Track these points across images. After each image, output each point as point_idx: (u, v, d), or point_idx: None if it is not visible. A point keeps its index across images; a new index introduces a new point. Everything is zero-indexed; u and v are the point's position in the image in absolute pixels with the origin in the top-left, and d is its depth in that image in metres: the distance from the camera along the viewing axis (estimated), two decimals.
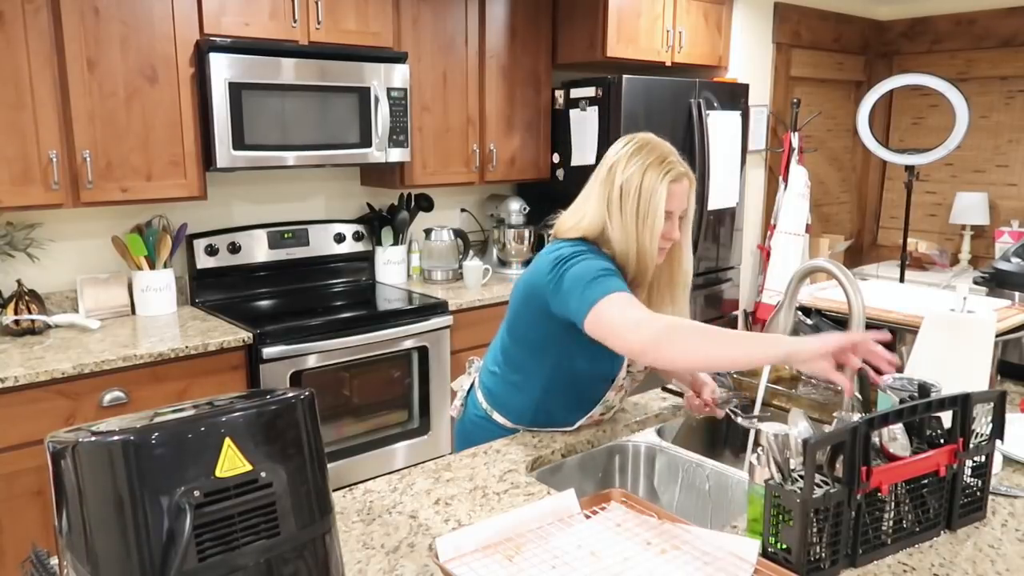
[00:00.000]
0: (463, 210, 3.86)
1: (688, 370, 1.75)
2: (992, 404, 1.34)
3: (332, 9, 2.93)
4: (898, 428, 1.27)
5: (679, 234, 1.65)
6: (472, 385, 1.87)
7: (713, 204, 3.94)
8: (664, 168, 1.57)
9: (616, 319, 1.44)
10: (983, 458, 1.35)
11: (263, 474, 0.93)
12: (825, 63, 4.98)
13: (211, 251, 3.04)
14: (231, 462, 0.90)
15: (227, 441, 0.91)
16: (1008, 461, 1.57)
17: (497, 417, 1.76)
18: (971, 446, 1.32)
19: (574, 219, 1.66)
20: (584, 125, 3.62)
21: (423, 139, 3.31)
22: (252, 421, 0.93)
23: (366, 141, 3.02)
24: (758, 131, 4.52)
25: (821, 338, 1.32)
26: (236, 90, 2.68)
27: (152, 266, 2.85)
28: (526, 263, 3.71)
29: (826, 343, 1.30)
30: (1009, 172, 4.96)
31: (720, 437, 2.08)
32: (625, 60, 3.66)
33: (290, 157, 2.85)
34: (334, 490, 1.13)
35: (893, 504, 1.25)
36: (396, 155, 3.12)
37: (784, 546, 1.17)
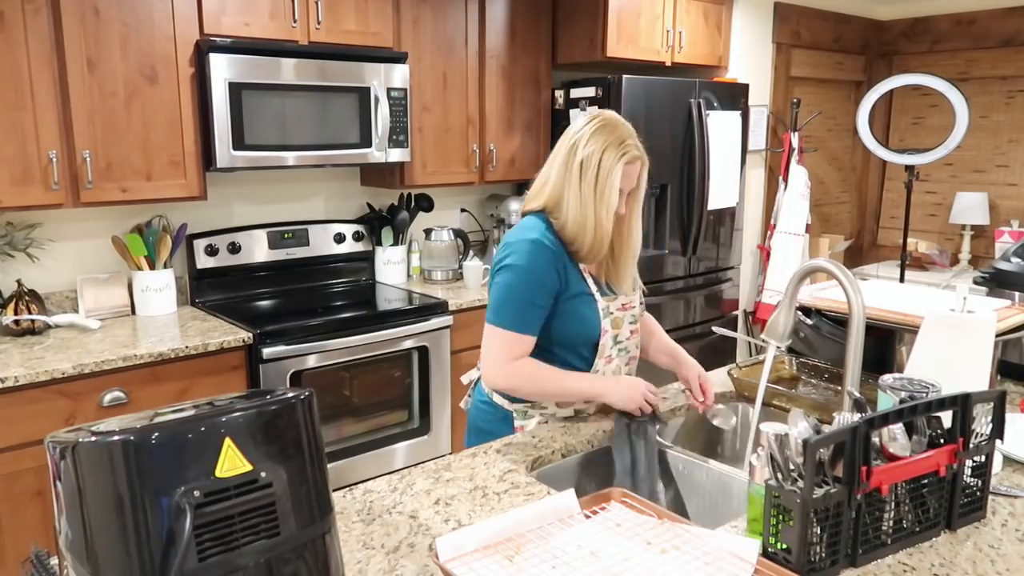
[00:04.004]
0: (463, 210, 3.86)
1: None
2: (992, 404, 1.34)
3: (332, 9, 2.93)
4: (898, 428, 1.27)
5: (625, 209, 1.77)
6: (479, 378, 1.93)
7: (713, 204, 3.94)
8: (621, 150, 1.69)
9: (487, 352, 1.73)
10: (983, 458, 1.35)
11: (263, 474, 0.92)
12: (825, 63, 4.98)
13: (211, 251, 3.03)
14: (231, 462, 0.90)
15: (227, 441, 0.91)
16: (1008, 461, 1.57)
17: (496, 399, 1.83)
18: (971, 446, 1.32)
19: (537, 188, 1.78)
20: None
21: (423, 139, 3.31)
22: (252, 421, 0.93)
23: (366, 141, 3.02)
24: (758, 131, 4.52)
25: (622, 391, 1.71)
26: (236, 90, 2.68)
27: (152, 266, 2.85)
28: None
29: (629, 399, 1.71)
30: (1009, 172, 4.96)
31: (720, 437, 2.08)
32: (625, 60, 3.66)
33: (290, 157, 2.85)
34: (334, 490, 1.13)
35: (893, 504, 1.25)
36: (396, 155, 3.12)
37: (784, 546, 1.17)
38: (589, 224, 1.69)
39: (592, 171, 1.68)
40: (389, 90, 3.04)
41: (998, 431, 1.35)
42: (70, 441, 0.87)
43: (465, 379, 2.04)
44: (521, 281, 1.69)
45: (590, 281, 1.77)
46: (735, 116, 4.03)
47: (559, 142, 1.76)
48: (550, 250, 1.70)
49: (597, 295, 1.77)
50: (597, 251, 1.73)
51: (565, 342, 1.77)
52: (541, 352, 1.75)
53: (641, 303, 1.89)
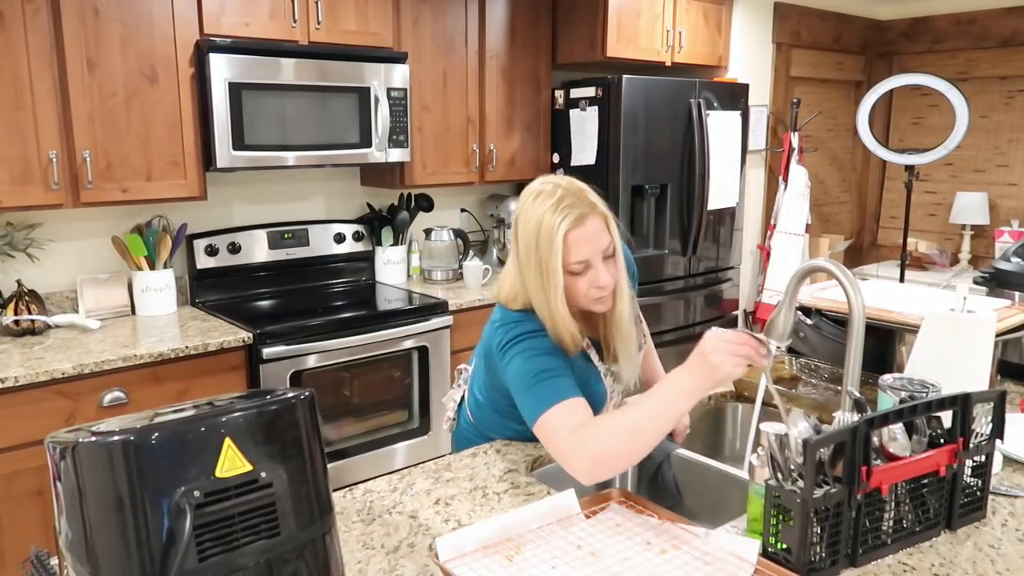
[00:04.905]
0: (463, 210, 3.86)
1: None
2: (992, 404, 1.34)
3: (332, 9, 2.93)
4: (898, 428, 1.27)
5: (608, 278, 1.42)
6: (463, 399, 1.80)
7: (713, 204, 3.94)
8: (559, 215, 1.34)
9: (554, 447, 1.36)
10: (983, 458, 1.35)
11: (263, 474, 0.92)
12: (825, 63, 4.98)
13: (211, 251, 3.03)
14: (231, 462, 0.90)
15: (227, 441, 0.91)
16: (1008, 461, 1.57)
17: (489, 433, 1.72)
18: (971, 446, 1.32)
19: (507, 286, 1.51)
20: (584, 125, 3.62)
21: (423, 139, 3.31)
22: (252, 421, 0.93)
23: (366, 141, 3.02)
24: (758, 131, 4.51)
25: (714, 355, 1.24)
26: (236, 90, 2.68)
27: (152, 266, 2.85)
28: None
29: (724, 362, 1.24)
30: (1009, 172, 4.96)
31: (720, 437, 2.09)
32: (625, 60, 3.66)
33: (290, 157, 2.85)
34: (334, 490, 1.13)
35: (893, 504, 1.25)
36: (396, 155, 3.12)
37: (784, 546, 1.17)
38: (547, 317, 1.41)
39: (534, 254, 1.37)
40: (389, 90, 3.04)
41: (998, 431, 1.35)
42: (70, 441, 0.87)
43: (445, 399, 1.85)
44: (530, 346, 1.42)
45: (593, 353, 1.57)
46: (735, 116, 4.03)
47: None
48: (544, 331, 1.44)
49: (599, 365, 1.58)
50: (568, 345, 1.45)
51: None
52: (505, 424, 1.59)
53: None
